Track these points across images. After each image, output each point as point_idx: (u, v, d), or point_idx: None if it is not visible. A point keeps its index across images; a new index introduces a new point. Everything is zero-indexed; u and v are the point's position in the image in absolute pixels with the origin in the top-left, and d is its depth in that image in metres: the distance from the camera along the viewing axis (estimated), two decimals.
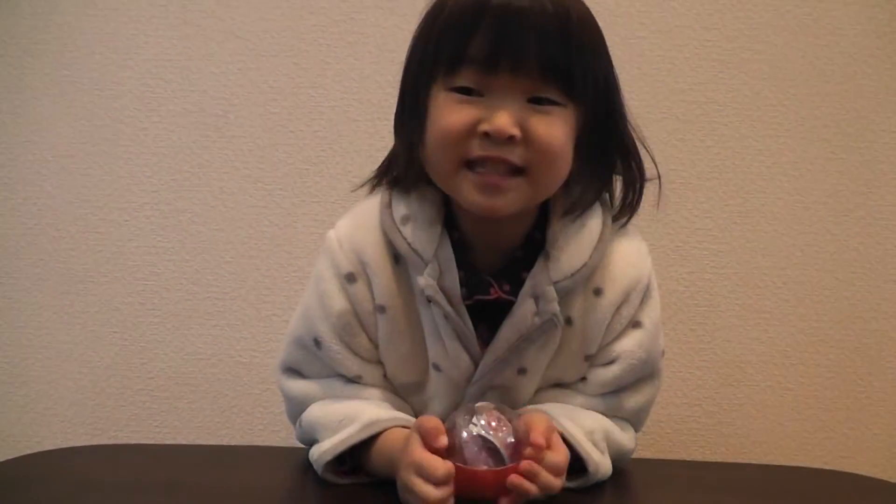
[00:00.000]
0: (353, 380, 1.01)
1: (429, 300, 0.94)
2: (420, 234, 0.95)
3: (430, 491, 0.82)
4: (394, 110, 0.97)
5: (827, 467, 1.38)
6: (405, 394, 1.03)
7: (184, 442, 1.49)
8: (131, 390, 1.51)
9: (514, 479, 0.83)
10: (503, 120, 0.86)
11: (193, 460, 1.09)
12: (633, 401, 1.01)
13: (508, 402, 0.97)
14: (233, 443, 1.49)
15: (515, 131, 0.87)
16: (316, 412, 1.00)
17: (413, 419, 0.95)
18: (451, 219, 0.96)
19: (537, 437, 0.85)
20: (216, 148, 1.48)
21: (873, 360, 1.48)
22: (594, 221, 0.96)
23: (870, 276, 1.47)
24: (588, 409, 0.99)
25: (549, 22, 0.86)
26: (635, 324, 0.99)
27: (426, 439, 0.85)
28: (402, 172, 0.96)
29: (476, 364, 0.97)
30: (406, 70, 0.95)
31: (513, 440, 0.85)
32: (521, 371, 0.98)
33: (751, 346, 1.48)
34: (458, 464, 0.84)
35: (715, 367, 1.48)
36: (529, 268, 0.94)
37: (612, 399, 1.00)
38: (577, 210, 0.95)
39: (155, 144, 1.49)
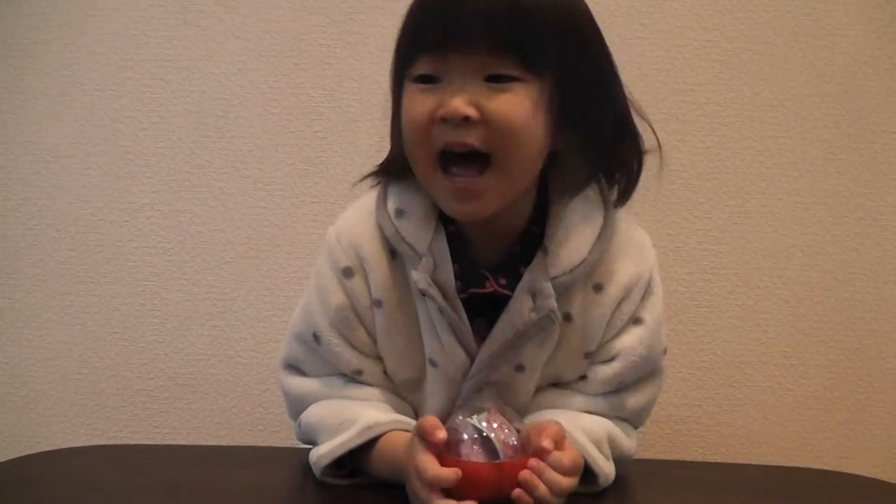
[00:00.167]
0: (354, 376, 1.01)
1: (423, 294, 0.94)
2: (414, 228, 0.95)
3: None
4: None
5: (827, 468, 1.38)
6: (404, 391, 1.02)
7: (183, 442, 1.49)
8: (131, 391, 1.51)
9: (524, 474, 0.83)
10: (455, 102, 0.85)
11: (193, 461, 1.09)
12: (634, 400, 1.00)
13: (507, 399, 0.96)
14: (232, 443, 1.49)
15: (470, 111, 0.85)
16: (315, 413, 1.00)
17: (413, 421, 0.95)
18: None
19: (543, 440, 0.85)
20: (216, 148, 1.48)
21: (873, 360, 1.48)
22: (595, 215, 0.95)
23: (870, 276, 1.47)
24: (590, 409, 0.98)
25: None
26: (636, 320, 0.97)
27: (425, 437, 0.85)
28: (391, 167, 0.97)
29: (472, 359, 0.96)
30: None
31: (515, 442, 0.85)
32: (519, 368, 0.97)
33: (751, 347, 1.48)
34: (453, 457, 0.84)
35: (715, 368, 1.48)
36: (528, 262, 0.94)
37: (614, 398, 0.99)
38: (572, 190, 0.94)
39: (155, 145, 1.49)
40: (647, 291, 0.97)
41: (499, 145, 0.87)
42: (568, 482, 0.86)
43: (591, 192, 0.96)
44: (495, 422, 0.86)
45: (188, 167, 1.49)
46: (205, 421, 1.51)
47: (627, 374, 0.98)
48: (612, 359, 0.98)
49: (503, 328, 0.94)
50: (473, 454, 0.84)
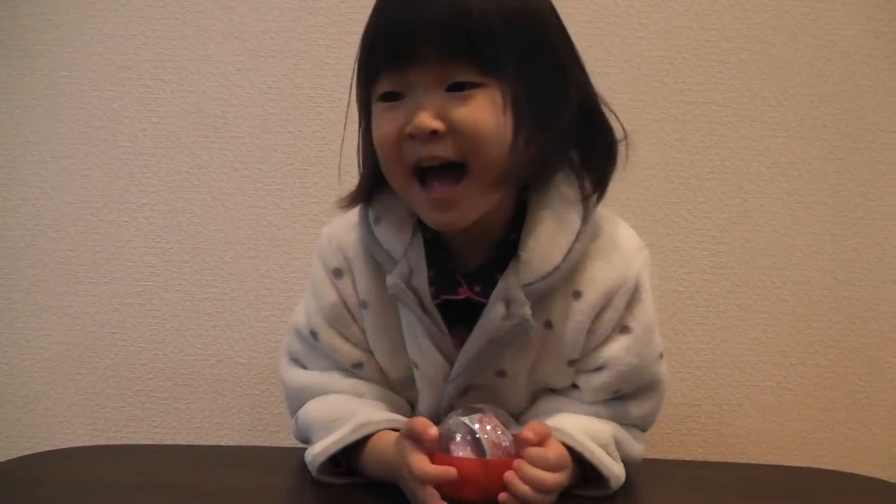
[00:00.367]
0: (354, 370, 1.01)
1: (396, 298, 0.95)
2: (390, 234, 0.96)
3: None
4: None
5: (826, 467, 1.38)
6: (398, 388, 1.03)
7: (183, 442, 1.49)
8: (130, 391, 1.51)
9: (508, 474, 0.83)
10: (421, 118, 0.85)
11: (193, 461, 1.09)
12: (638, 409, 0.99)
13: (493, 403, 0.95)
14: (232, 443, 1.49)
15: (436, 125, 0.85)
16: (312, 410, 1.01)
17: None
18: None
19: (526, 431, 0.85)
20: (215, 149, 1.48)
21: (873, 360, 1.48)
22: (572, 220, 0.93)
23: (869, 276, 1.47)
24: (594, 415, 0.98)
25: (440, 4, 0.85)
26: (623, 329, 0.96)
27: (417, 437, 0.85)
28: (368, 187, 0.98)
29: (451, 363, 0.97)
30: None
31: (507, 444, 0.85)
32: (500, 374, 0.97)
33: (750, 346, 1.48)
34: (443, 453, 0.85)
35: (714, 368, 1.48)
36: (503, 269, 0.93)
37: (616, 406, 0.98)
38: (533, 183, 0.93)
39: (154, 145, 1.49)
40: (634, 298, 0.95)
41: (470, 153, 0.87)
42: (553, 478, 0.85)
43: (570, 194, 0.94)
44: (489, 423, 0.86)
45: (187, 167, 1.49)
46: (204, 421, 1.51)
47: (620, 384, 0.97)
48: (600, 368, 0.96)
49: (478, 334, 0.94)
50: (464, 453, 0.85)
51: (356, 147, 1.00)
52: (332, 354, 1.01)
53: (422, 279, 0.94)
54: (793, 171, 1.46)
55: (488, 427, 0.86)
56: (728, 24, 1.44)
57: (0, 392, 1.51)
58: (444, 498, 0.84)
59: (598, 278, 0.94)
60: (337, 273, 1.00)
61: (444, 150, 0.87)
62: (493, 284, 0.93)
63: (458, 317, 0.95)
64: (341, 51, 1.46)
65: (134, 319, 1.50)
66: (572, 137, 0.93)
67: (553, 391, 1.01)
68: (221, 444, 1.48)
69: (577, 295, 0.94)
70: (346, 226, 1.01)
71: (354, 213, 1.01)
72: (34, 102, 1.49)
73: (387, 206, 0.97)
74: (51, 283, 1.50)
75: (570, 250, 0.92)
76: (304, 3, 1.46)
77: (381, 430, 0.95)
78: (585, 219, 0.93)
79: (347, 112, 0.97)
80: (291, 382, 1.05)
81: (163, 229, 1.49)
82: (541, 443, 0.86)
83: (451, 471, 0.83)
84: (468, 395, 0.98)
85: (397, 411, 1.01)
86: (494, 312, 0.93)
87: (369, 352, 1.02)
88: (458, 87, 0.86)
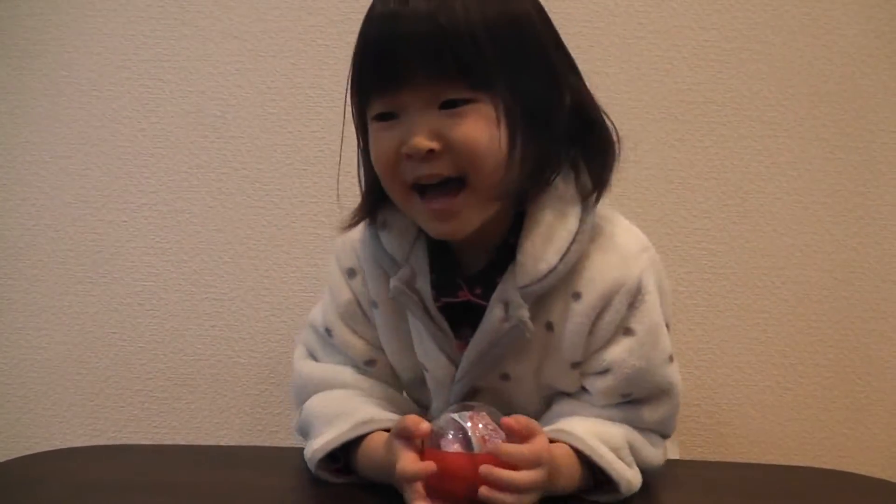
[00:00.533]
0: (366, 368, 1.02)
1: (396, 300, 0.96)
2: (394, 239, 0.97)
3: None
4: None
5: (826, 467, 1.38)
6: (410, 390, 1.05)
7: (183, 442, 1.49)
8: (130, 391, 1.51)
9: (483, 468, 0.82)
10: (416, 139, 0.86)
11: (192, 461, 1.09)
12: (652, 414, 0.97)
13: (500, 406, 0.95)
14: (231, 443, 1.49)
15: (431, 145, 0.86)
16: (316, 404, 1.01)
17: None
18: None
19: (509, 420, 0.84)
20: (214, 149, 1.48)
21: (872, 359, 1.48)
22: (570, 222, 0.92)
23: (868, 275, 1.47)
24: (607, 418, 0.96)
25: (423, 25, 0.84)
26: (625, 330, 0.94)
27: (409, 435, 0.86)
28: (373, 200, 0.98)
29: (456, 366, 0.97)
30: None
31: (498, 442, 0.85)
32: (504, 377, 0.97)
33: (750, 346, 1.48)
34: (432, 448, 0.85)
35: (714, 367, 1.48)
36: (503, 272, 0.93)
37: (629, 410, 0.96)
38: (532, 189, 0.92)
39: (153, 145, 1.49)
40: (637, 300, 0.93)
41: (468, 168, 0.87)
42: (525, 477, 0.83)
43: (567, 195, 0.93)
44: (480, 421, 0.86)
45: (186, 167, 1.49)
46: (203, 421, 1.51)
47: (627, 387, 0.95)
48: (604, 371, 0.95)
49: (479, 337, 0.94)
50: (453, 449, 0.85)
51: (356, 164, 1.00)
52: (346, 350, 1.02)
53: (424, 282, 0.95)
54: (792, 170, 1.46)
55: (480, 425, 0.86)
56: (728, 23, 1.44)
57: (0, 392, 1.51)
58: (432, 492, 0.83)
59: (597, 279, 0.93)
60: (350, 273, 1.02)
61: (441, 168, 0.87)
62: (494, 287, 0.93)
63: (464, 319, 0.96)
64: (340, 51, 1.46)
65: (133, 319, 1.50)
66: (569, 141, 0.93)
67: (566, 395, 1.00)
68: (221, 444, 1.48)
69: (576, 296, 0.93)
70: (360, 227, 1.02)
71: None
72: (34, 102, 1.49)
73: (392, 212, 0.97)
74: (50, 284, 1.50)
75: (566, 252, 0.91)
76: (303, 3, 1.46)
77: (380, 429, 0.95)
78: (584, 220, 0.92)
79: (343, 126, 0.97)
80: (301, 373, 1.05)
81: (162, 229, 1.49)
82: (526, 435, 0.85)
83: (430, 466, 0.83)
84: (475, 399, 0.98)
85: (403, 413, 1.00)
86: (494, 315, 0.93)
87: (382, 350, 1.02)
88: (451, 104, 0.86)
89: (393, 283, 0.95)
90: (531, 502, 0.85)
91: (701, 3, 1.44)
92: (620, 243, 0.95)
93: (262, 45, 1.47)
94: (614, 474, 0.91)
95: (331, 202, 1.46)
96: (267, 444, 1.48)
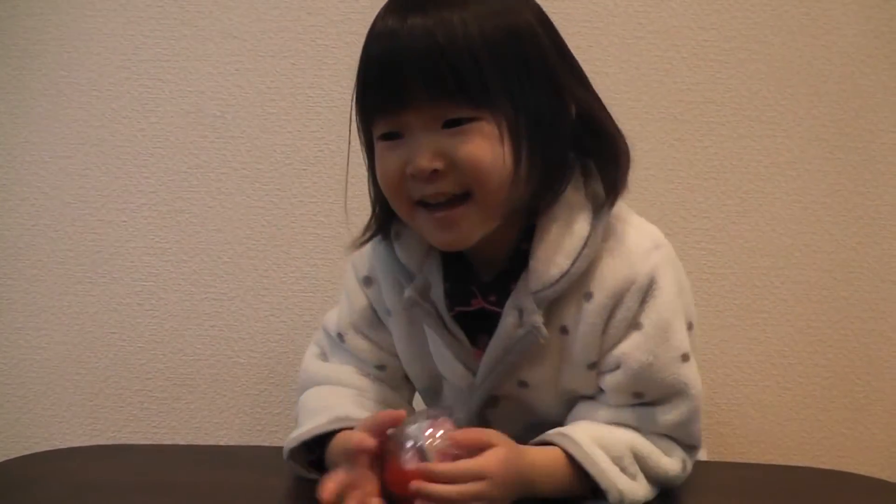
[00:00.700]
0: (376, 372, 1.03)
1: (409, 309, 0.97)
2: (407, 249, 0.97)
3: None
4: None
5: (826, 467, 1.38)
6: (424, 397, 1.05)
7: (182, 442, 1.49)
8: (129, 391, 1.51)
9: (414, 484, 0.81)
10: (420, 160, 0.86)
11: (192, 460, 1.09)
12: (665, 415, 0.94)
13: (521, 413, 0.96)
14: (231, 443, 1.49)
15: (436, 165, 0.86)
16: (307, 398, 1.03)
17: None
18: None
19: (457, 435, 0.84)
20: (214, 149, 1.48)
21: (872, 359, 1.48)
22: (580, 226, 0.92)
23: (868, 275, 1.47)
24: (618, 421, 0.95)
25: (421, 43, 0.84)
26: (635, 325, 0.93)
27: (352, 456, 0.86)
28: (383, 215, 0.98)
29: (474, 374, 0.97)
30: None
31: (457, 453, 0.85)
32: (522, 384, 0.97)
33: (749, 346, 1.48)
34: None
35: (713, 367, 1.48)
36: (517, 279, 0.93)
37: (642, 412, 0.95)
38: (544, 205, 0.92)
39: (153, 145, 1.49)
40: (648, 295, 0.93)
41: (473, 185, 0.87)
42: (459, 490, 0.82)
43: (578, 200, 0.93)
44: (440, 429, 0.86)
45: (186, 167, 1.49)
46: (203, 421, 1.51)
47: (636, 385, 0.94)
48: (616, 367, 0.94)
49: (495, 343, 0.94)
50: (410, 461, 0.84)
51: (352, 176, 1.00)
52: (357, 354, 1.03)
53: (438, 292, 0.95)
54: (792, 170, 1.46)
55: (438, 434, 0.85)
56: (727, 23, 1.44)
57: (0, 392, 1.51)
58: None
59: (608, 277, 0.92)
60: (367, 281, 1.03)
61: (446, 186, 0.87)
62: (508, 294, 0.93)
63: (481, 328, 0.96)
64: (340, 51, 1.46)
65: (133, 319, 1.50)
66: (577, 152, 0.93)
67: (586, 398, 0.99)
68: (221, 444, 1.48)
69: (588, 297, 0.93)
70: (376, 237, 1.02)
71: None
72: (33, 102, 1.49)
73: (405, 224, 0.96)
74: (49, 283, 1.50)
75: (578, 256, 0.91)
76: (303, 3, 1.46)
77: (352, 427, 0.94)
78: (595, 224, 0.92)
79: (349, 139, 0.96)
80: (308, 370, 1.07)
81: (161, 229, 1.49)
82: (478, 448, 0.85)
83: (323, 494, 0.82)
84: (497, 407, 0.98)
85: None
86: (508, 322, 0.93)
87: (395, 356, 1.03)
88: (454, 123, 0.86)
89: (407, 293, 0.95)
90: None
91: (700, 3, 1.44)
92: (631, 241, 0.94)
93: (261, 45, 1.47)
94: (604, 482, 0.89)
95: (330, 202, 1.47)
96: (267, 444, 1.48)
